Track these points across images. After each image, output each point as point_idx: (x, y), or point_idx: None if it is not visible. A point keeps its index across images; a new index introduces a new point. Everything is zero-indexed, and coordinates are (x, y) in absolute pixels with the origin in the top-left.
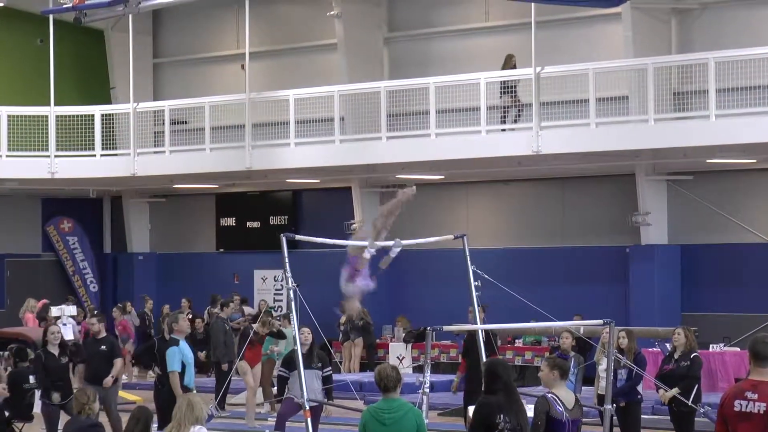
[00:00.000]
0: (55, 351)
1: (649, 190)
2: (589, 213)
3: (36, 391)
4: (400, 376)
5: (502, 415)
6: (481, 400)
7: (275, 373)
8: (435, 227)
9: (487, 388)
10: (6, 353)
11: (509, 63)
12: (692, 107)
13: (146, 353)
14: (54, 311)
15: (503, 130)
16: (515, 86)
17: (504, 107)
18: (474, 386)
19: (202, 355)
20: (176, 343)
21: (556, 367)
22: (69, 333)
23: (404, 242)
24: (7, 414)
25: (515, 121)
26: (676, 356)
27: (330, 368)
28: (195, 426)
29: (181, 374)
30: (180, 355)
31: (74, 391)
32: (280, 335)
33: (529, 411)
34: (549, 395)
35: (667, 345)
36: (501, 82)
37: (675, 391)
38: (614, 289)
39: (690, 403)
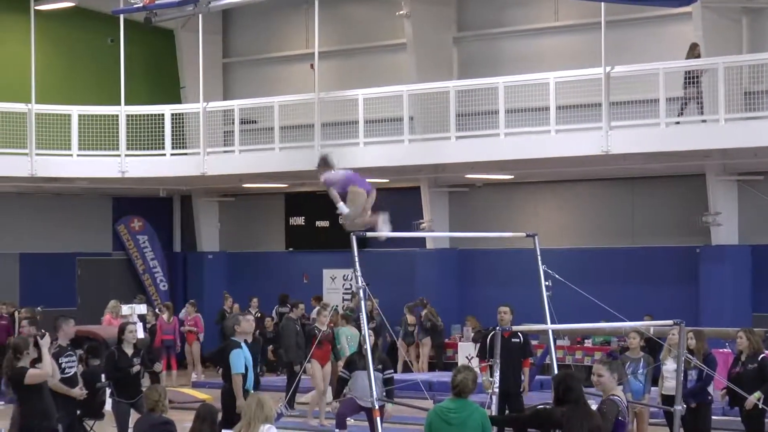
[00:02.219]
0: (129, 350)
1: (719, 190)
2: (658, 213)
3: (107, 389)
4: (476, 386)
5: (557, 430)
6: (546, 410)
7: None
8: (504, 227)
9: (560, 398)
10: (80, 352)
11: (693, 52)
12: (763, 107)
13: (218, 355)
14: (124, 310)
15: (677, 122)
16: (699, 77)
17: (685, 98)
18: (503, 387)
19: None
20: (239, 345)
21: (615, 370)
22: (140, 332)
23: (478, 235)
24: (78, 412)
25: (701, 112)
26: (742, 359)
27: (392, 370)
28: (265, 425)
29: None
30: (243, 357)
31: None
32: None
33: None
34: (616, 398)
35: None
36: (685, 72)
37: (757, 395)
38: (684, 290)
39: (762, 405)
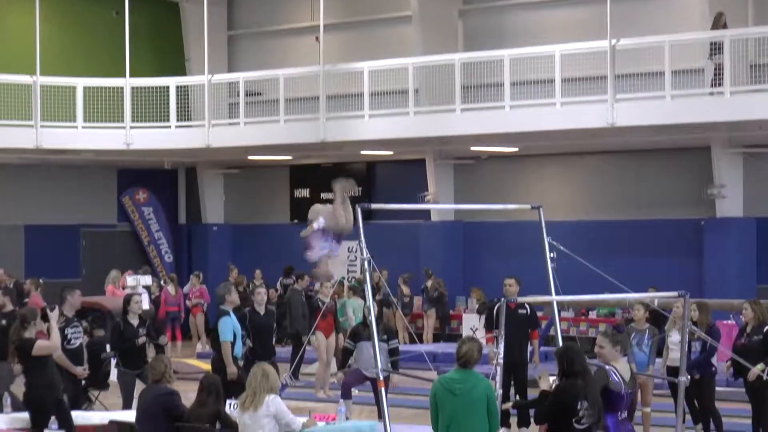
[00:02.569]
0: (135, 321)
1: (724, 163)
2: (663, 186)
3: (112, 360)
4: (482, 357)
5: (583, 402)
6: (566, 383)
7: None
8: (509, 199)
9: (565, 372)
10: (85, 324)
11: (719, 22)
12: None
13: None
14: (129, 281)
15: (711, 93)
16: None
17: (717, 68)
18: (509, 358)
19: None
20: (227, 313)
21: (618, 343)
22: (145, 303)
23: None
24: (83, 383)
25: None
26: (748, 330)
27: (396, 340)
28: (269, 395)
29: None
30: (232, 325)
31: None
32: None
33: None
34: (607, 367)
35: (741, 318)
36: (711, 43)
37: (761, 367)
38: (689, 262)
39: (766, 376)
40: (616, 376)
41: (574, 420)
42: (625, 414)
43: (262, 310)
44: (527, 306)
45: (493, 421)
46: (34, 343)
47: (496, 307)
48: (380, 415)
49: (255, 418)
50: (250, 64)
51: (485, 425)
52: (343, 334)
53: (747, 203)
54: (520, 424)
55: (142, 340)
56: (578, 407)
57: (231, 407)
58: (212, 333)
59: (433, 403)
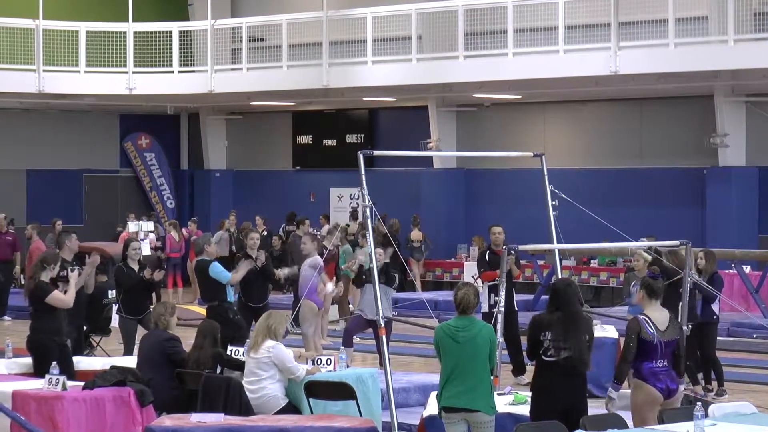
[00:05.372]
0: (135, 266)
1: (727, 112)
2: (666, 134)
3: (114, 305)
4: (479, 300)
5: (547, 333)
6: (535, 315)
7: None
8: (512, 147)
9: (547, 305)
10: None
11: None
12: None
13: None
14: (131, 226)
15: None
16: None
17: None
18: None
19: (282, 273)
20: (211, 261)
21: (644, 287)
22: (146, 248)
23: (485, 154)
24: (85, 328)
25: None
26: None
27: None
28: (269, 341)
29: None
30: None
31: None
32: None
33: (603, 331)
34: (640, 317)
35: (744, 267)
36: None
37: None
38: (691, 211)
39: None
40: (650, 326)
41: (541, 352)
42: (664, 362)
43: (254, 255)
44: (513, 251)
45: (491, 363)
46: (50, 292)
47: (486, 253)
48: (381, 363)
49: (256, 360)
50: (253, 10)
51: (487, 370)
52: (344, 281)
53: (750, 152)
54: (516, 373)
55: (159, 274)
56: (542, 338)
57: (233, 353)
58: (204, 284)
59: (437, 349)
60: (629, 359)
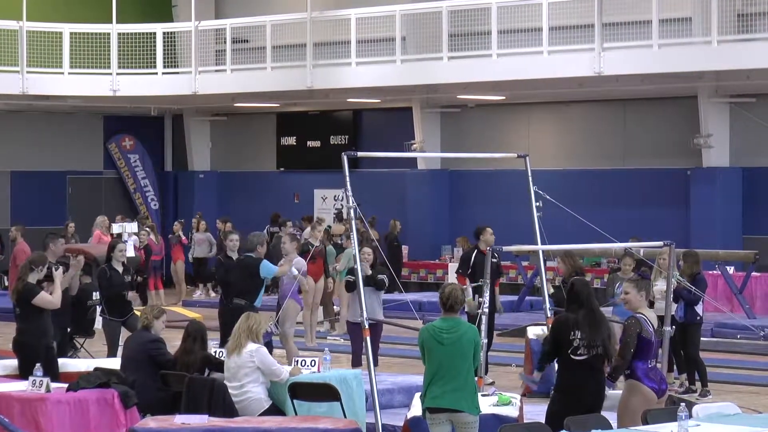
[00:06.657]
0: (119, 268)
1: (711, 113)
2: (650, 135)
3: (98, 307)
4: (465, 297)
5: (576, 332)
6: (559, 316)
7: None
8: (496, 148)
9: (567, 305)
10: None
11: None
12: (756, 29)
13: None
14: (115, 228)
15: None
16: None
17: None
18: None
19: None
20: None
21: (643, 289)
22: (130, 250)
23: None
24: (69, 330)
25: None
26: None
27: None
28: (253, 344)
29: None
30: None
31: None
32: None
33: None
34: (639, 316)
35: (728, 267)
36: None
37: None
38: (675, 212)
39: None
40: (649, 325)
41: (569, 351)
42: (653, 362)
43: (234, 257)
44: (497, 255)
45: (475, 363)
46: (37, 293)
47: (474, 253)
48: (357, 364)
49: (238, 362)
50: (237, 11)
51: (471, 371)
52: (330, 281)
53: (733, 153)
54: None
55: (131, 294)
56: (571, 337)
57: (217, 354)
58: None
59: (422, 350)
60: (628, 358)
